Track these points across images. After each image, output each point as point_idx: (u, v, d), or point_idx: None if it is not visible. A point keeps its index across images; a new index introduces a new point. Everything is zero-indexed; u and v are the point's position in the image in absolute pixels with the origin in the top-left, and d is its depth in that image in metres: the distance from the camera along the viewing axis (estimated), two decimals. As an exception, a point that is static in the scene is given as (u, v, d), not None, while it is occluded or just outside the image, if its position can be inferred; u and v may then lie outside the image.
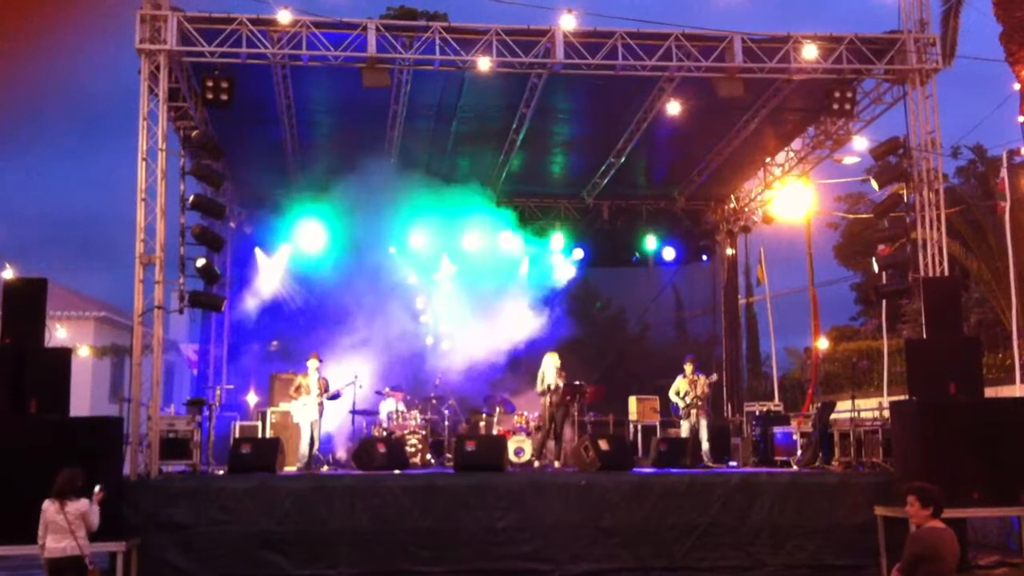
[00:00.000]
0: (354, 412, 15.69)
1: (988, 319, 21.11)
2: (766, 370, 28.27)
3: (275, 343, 18.90)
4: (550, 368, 15.54)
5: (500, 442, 14.22)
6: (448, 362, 19.09)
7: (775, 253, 22.66)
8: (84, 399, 24.37)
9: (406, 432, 15.58)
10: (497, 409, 16.36)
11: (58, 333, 23.95)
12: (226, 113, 14.31)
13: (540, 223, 21.04)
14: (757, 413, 16.93)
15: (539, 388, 15.54)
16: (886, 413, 13.56)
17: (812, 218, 21.78)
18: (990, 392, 13.41)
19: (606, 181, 19.76)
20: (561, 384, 15.33)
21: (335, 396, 15.18)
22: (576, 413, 16.10)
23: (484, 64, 13.63)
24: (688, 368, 15.71)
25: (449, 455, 15.28)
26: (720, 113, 16.27)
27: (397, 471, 13.22)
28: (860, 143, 16.48)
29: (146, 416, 12.53)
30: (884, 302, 16.59)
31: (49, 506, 8.91)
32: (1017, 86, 19.09)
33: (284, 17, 13.15)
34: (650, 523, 12.09)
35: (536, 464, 15.14)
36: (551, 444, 15.52)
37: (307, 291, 18.74)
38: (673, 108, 15.45)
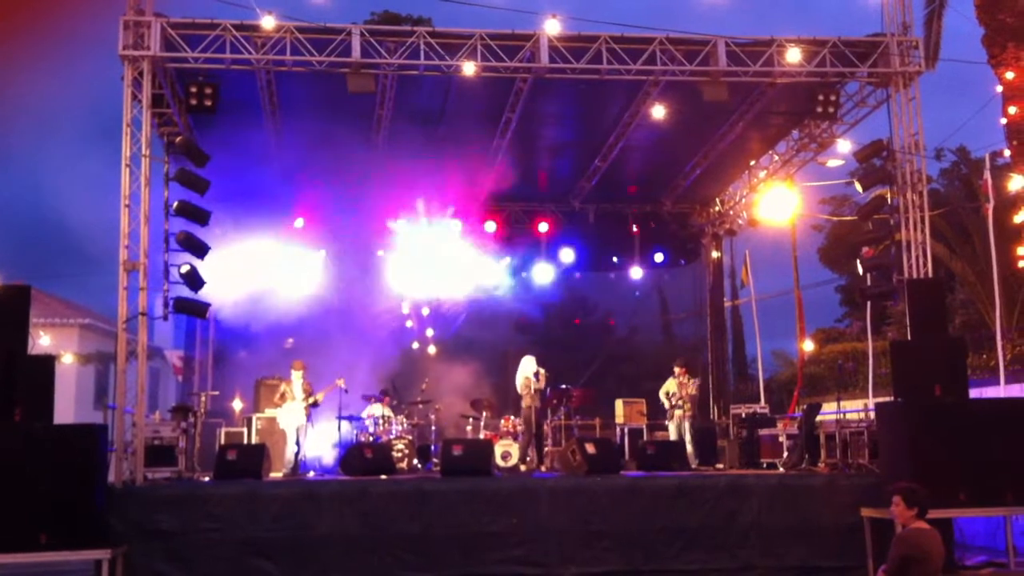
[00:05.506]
0: (340, 418, 15.65)
1: (972, 320, 21.21)
2: (752, 372, 28.32)
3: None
4: (530, 371, 15.63)
5: (487, 447, 14.24)
6: (434, 366, 19.08)
7: (760, 256, 22.75)
8: (68, 406, 24.24)
9: (393, 437, 15.56)
10: (484, 413, 16.35)
11: (42, 340, 23.82)
12: (210, 119, 14.28)
13: (526, 227, 21.05)
14: (743, 415, 16.98)
15: (522, 391, 15.67)
16: (872, 415, 13.61)
17: (797, 221, 21.87)
18: (975, 393, 13.45)
19: (592, 185, 19.79)
20: (541, 387, 15.48)
21: (315, 406, 15.22)
22: (563, 417, 16.17)
23: (469, 68, 13.64)
24: (678, 370, 15.90)
25: (436, 460, 15.27)
26: (705, 117, 16.31)
27: (384, 476, 13.20)
28: (844, 146, 16.56)
29: (131, 423, 12.48)
30: (869, 304, 16.64)
31: None
32: (999, 88, 19.21)
33: (268, 23, 13.13)
34: (639, 526, 12.09)
35: (523, 468, 15.18)
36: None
37: (293, 295, 18.64)
38: (658, 112, 15.51)
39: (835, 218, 29.59)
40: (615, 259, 21.89)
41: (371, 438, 15.45)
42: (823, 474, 13.36)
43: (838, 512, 12.24)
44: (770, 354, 29.30)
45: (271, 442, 14.91)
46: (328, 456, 16.13)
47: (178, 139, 13.65)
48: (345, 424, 15.77)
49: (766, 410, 17.68)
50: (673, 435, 15.86)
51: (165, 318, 13.64)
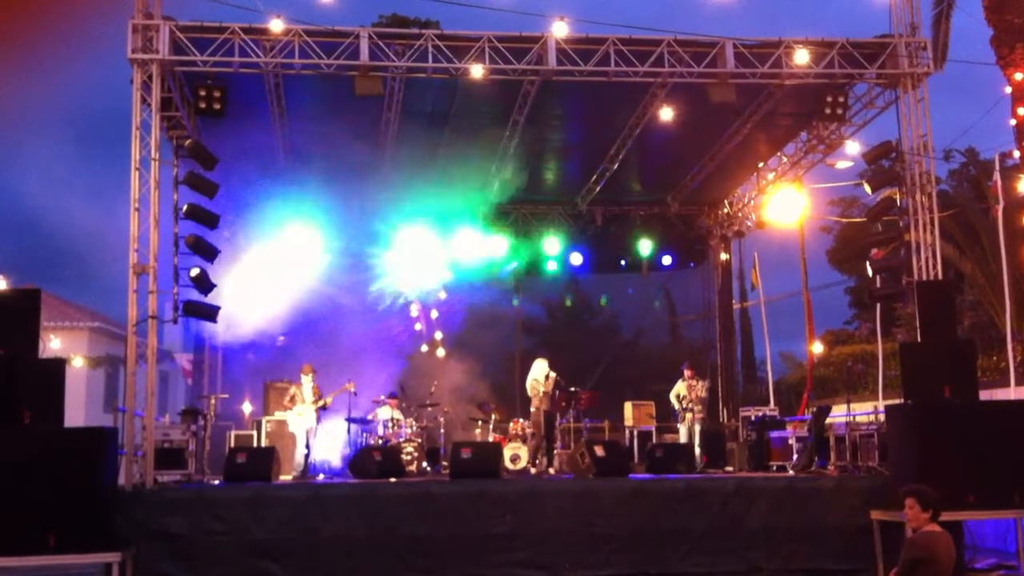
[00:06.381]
0: (349, 420, 15.68)
1: (982, 322, 21.17)
2: (761, 375, 28.26)
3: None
4: (540, 374, 15.65)
5: (496, 449, 14.25)
6: (443, 369, 19.09)
7: (769, 258, 22.72)
8: (79, 410, 24.32)
9: (402, 440, 15.58)
10: (493, 416, 16.36)
11: (52, 343, 23.86)
12: (219, 122, 14.31)
13: (534, 229, 21.07)
14: (753, 418, 16.94)
15: (530, 393, 15.70)
16: (881, 417, 13.57)
17: (805, 222, 21.80)
18: (985, 395, 13.41)
19: (600, 187, 19.76)
20: (549, 390, 15.52)
21: (324, 408, 15.27)
22: (572, 419, 16.19)
23: (477, 71, 13.64)
24: (687, 373, 15.92)
25: (445, 463, 15.28)
26: (713, 118, 16.28)
27: (393, 479, 13.21)
28: (853, 147, 16.55)
29: (141, 426, 12.51)
30: (878, 305, 16.61)
31: None
32: (1008, 89, 19.17)
33: (276, 26, 13.16)
34: (646, 529, 12.07)
35: (532, 471, 15.18)
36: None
37: (302, 298, 18.67)
38: (666, 114, 15.49)
39: (844, 219, 29.54)
40: (622, 261, 21.87)
41: (380, 441, 15.46)
42: (832, 476, 13.33)
43: (847, 514, 12.21)
44: (779, 356, 29.29)
45: (281, 445, 14.92)
46: (337, 459, 16.17)
47: (187, 142, 13.69)
48: (354, 426, 15.80)
49: (775, 412, 17.64)
50: (684, 438, 15.85)
51: (175, 321, 13.68)
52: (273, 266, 18.94)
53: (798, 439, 15.18)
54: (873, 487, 12.40)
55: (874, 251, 15.39)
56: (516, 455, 15.08)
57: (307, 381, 15.25)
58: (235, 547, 11.49)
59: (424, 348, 20.32)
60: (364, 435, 15.90)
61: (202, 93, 13.54)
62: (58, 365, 11.33)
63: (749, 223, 20.82)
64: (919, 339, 12.97)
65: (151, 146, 12.87)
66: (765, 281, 21.72)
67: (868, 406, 16.25)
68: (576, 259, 21.26)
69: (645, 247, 21.37)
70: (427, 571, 11.67)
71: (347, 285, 19.11)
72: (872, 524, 11.99)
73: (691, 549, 12.04)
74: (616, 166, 18.54)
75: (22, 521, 10.21)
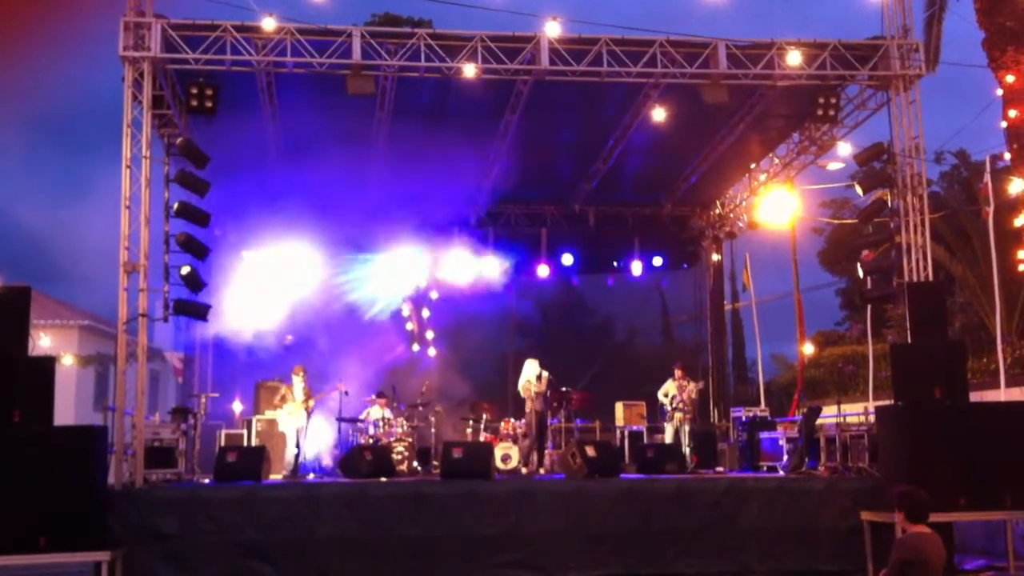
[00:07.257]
0: (340, 420, 15.65)
1: (972, 323, 21.19)
2: (752, 375, 28.30)
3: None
4: (532, 374, 15.64)
5: (487, 449, 14.23)
6: (434, 369, 19.08)
7: (760, 259, 22.74)
8: (68, 408, 24.22)
9: (392, 440, 15.55)
10: (484, 416, 16.35)
11: (42, 342, 23.79)
12: (211, 120, 14.27)
13: (526, 229, 21.06)
14: (743, 418, 16.96)
15: (524, 393, 15.68)
16: (872, 418, 13.59)
17: (797, 224, 21.85)
18: (975, 396, 13.44)
19: (592, 187, 19.77)
20: (543, 390, 15.51)
21: (310, 412, 15.27)
22: (563, 419, 16.19)
23: (469, 71, 13.64)
24: (677, 373, 15.91)
25: (436, 463, 15.27)
26: (705, 119, 16.31)
27: (384, 479, 13.19)
28: (844, 149, 16.60)
29: (131, 425, 12.47)
30: (869, 307, 16.63)
31: None
32: (1000, 92, 19.23)
33: (269, 24, 13.14)
34: (638, 529, 12.08)
35: (523, 471, 15.17)
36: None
37: (293, 297, 18.63)
38: (658, 115, 15.52)
39: (835, 221, 29.61)
40: (615, 262, 21.88)
41: (371, 440, 15.44)
42: (823, 477, 13.34)
43: (838, 515, 12.25)
44: (770, 357, 29.31)
45: (271, 444, 14.90)
46: (328, 458, 16.14)
47: (179, 140, 13.65)
48: (345, 426, 15.77)
49: (766, 413, 17.67)
50: (669, 437, 15.85)
51: (165, 320, 13.62)
52: (264, 264, 18.91)
53: (788, 440, 15.19)
54: (863, 488, 12.43)
55: (865, 253, 15.42)
56: (507, 455, 15.08)
57: (298, 381, 15.25)
58: (226, 547, 11.46)
59: (416, 348, 20.31)
60: (355, 434, 15.88)
61: (194, 91, 13.50)
62: (48, 363, 11.26)
63: (741, 224, 20.87)
64: (910, 340, 12.99)
65: (142, 144, 12.82)
66: (756, 282, 21.74)
67: (859, 407, 16.27)
68: (568, 259, 21.25)
69: (637, 248, 21.38)
70: (420, 572, 11.66)
71: (338, 284, 19.08)
72: (863, 525, 12.02)
73: (683, 549, 12.06)
74: (609, 167, 18.56)
75: (11, 520, 10.17)
